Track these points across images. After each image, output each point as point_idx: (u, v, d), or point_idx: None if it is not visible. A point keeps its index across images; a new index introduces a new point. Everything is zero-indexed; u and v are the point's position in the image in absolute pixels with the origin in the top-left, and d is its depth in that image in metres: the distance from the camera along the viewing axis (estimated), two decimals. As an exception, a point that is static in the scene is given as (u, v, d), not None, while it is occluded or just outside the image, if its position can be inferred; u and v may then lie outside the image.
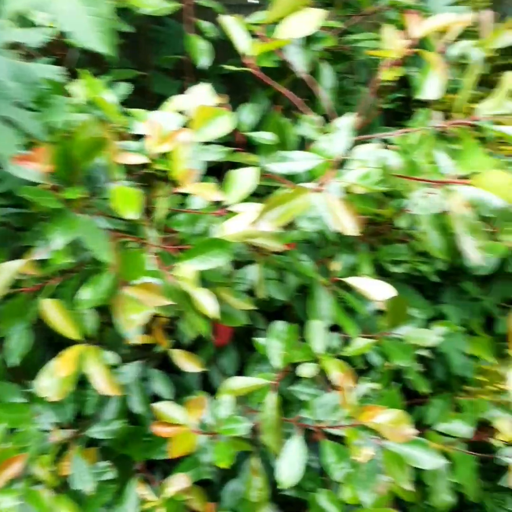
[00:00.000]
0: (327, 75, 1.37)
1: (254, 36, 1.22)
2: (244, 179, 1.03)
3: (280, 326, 1.20)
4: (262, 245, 1.07)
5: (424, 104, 1.39)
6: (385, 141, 1.48)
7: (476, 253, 1.03)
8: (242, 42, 1.16)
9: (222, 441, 1.04)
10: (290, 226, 1.09)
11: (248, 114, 1.26)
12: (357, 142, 1.20)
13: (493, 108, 1.07)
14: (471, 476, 1.31)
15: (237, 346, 1.39)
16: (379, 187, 1.00)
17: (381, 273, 1.44)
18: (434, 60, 1.11)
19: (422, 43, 1.40)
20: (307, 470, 1.19)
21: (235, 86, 1.47)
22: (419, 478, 1.39)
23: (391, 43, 1.12)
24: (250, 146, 1.32)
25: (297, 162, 1.02)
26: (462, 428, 1.38)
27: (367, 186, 0.99)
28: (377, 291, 1.05)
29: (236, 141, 1.25)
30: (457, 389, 1.61)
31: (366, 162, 1.03)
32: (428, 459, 1.13)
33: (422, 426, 1.48)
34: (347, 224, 0.91)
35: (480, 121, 1.11)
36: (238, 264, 1.26)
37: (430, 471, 1.33)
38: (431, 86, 1.23)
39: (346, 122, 1.05)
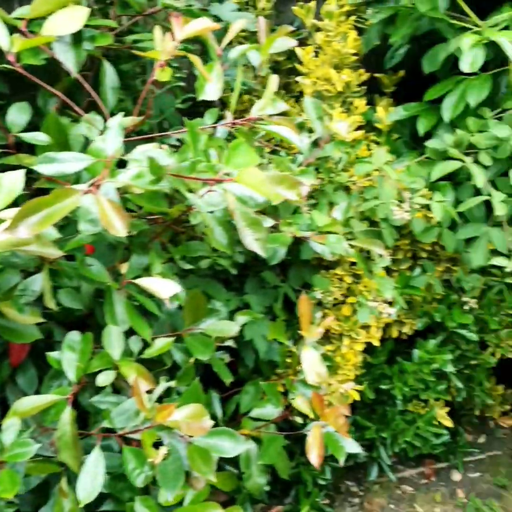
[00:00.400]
0: (110, 75, 1.34)
1: (18, 31, 1.14)
2: (10, 183, 0.96)
3: (73, 336, 1.15)
4: (39, 253, 1.01)
5: (210, 104, 1.43)
6: (179, 140, 1.50)
7: (256, 245, 1.08)
8: (2, 37, 1.08)
9: (8, 469, 0.96)
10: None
11: (17, 114, 1.18)
12: (141, 142, 1.19)
13: (262, 108, 1.13)
14: (280, 455, 1.38)
15: (36, 362, 1.31)
16: (154, 187, 1.00)
17: (187, 270, 1.46)
18: (198, 61, 1.14)
19: (204, 46, 1.45)
20: (125, 481, 1.16)
21: (21, 85, 1.37)
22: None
23: (160, 44, 1.12)
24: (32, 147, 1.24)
25: (66, 163, 0.98)
26: (272, 411, 1.45)
27: (141, 186, 0.99)
28: (164, 290, 1.05)
29: (9, 143, 1.17)
30: (270, 374, 1.70)
31: (141, 162, 1.02)
32: (233, 447, 1.16)
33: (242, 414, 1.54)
34: (117, 225, 0.89)
35: (252, 121, 1.17)
36: (28, 274, 1.18)
37: (243, 457, 1.38)
38: (210, 88, 1.27)
39: (117, 122, 1.03)
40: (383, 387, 1.72)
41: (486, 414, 2.24)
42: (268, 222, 1.23)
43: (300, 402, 1.23)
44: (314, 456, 1.12)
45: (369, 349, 1.80)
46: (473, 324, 1.71)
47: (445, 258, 1.78)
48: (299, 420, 1.37)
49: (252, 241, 1.08)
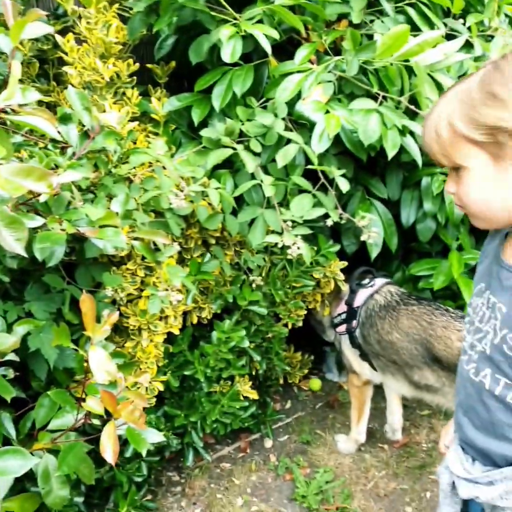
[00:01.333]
0: None
1: None
2: None
3: None
4: None
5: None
6: None
7: (18, 246, 1.00)
8: None
9: None
10: None
11: None
12: None
13: (8, 98, 1.04)
14: (83, 461, 1.31)
15: None
16: None
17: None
18: None
19: None
20: None
21: None
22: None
23: None
24: None
25: None
26: (70, 419, 1.37)
27: None
28: None
29: None
30: (68, 382, 1.61)
31: None
32: (21, 465, 1.07)
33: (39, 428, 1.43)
34: None
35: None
36: None
37: (41, 472, 1.29)
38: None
39: None
40: (187, 373, 1.76)
41: (289, 381, 2.44)
42: (37, 220, 1.15)
43: (91, 403, 1.18)
44: (108, 454, 1.09)
45: (171, 338, 1.82)
46: (263, 300, 1.83)
47: (233, 242, 1.87)
48: (97, 422, 1.32)
49: (13, 242, 1.00)
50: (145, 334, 1.67)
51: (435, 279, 1.99)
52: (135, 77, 1.73)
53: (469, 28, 1.92)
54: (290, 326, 2.07)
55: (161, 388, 1.70)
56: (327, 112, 1.66)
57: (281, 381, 2.38)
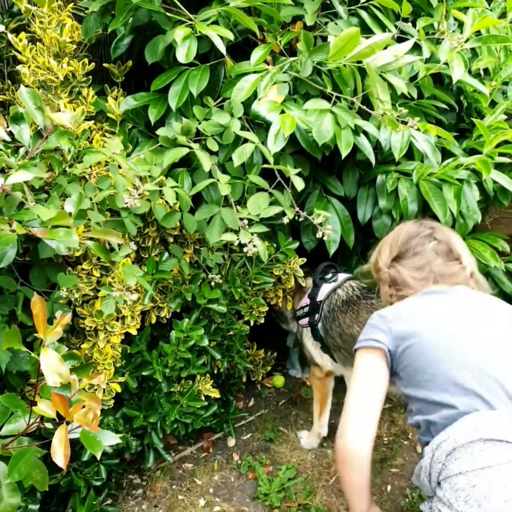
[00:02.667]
0: None
1: None
2: None
3: None
4: None
5: None
6: None
7: None
8: None
9: None
10: None
11: None
12: None
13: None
14: (36, 467, 1.29)
15: None
16: None
17: None
18: None
19: None
20: None
21: None
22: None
23: None
24: None
25: None
26: (23, 423, 1.35)
27: None
28: None
29: None
30: (22, 386, 1.58)
31: None
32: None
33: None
34: None
35: None
36: None
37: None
38: None
39: None
40: (146, 373, 1.75)
41: (252, 378, 2.45)
42: (-15, 221, 1.13)
43: (43, 407, 1.17)
44: (59, 458, 1.08)
45: (130, 339, 1.81)
46: (222, 298, 1.84)
47: (192, 241, 1.87)
48: (49, 425, 1.30)
49: None
50: (101, 335, 1.65)
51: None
52: (90, 77, 1.72)
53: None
54: (252, 323, 2.08)
55: (119, 389, 1.69)
56: (283, 112, 1.68)
57: (244, 379, 2.40)
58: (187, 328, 1.74)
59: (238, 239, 1.46)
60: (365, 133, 1.75)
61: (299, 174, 1.67)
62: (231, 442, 2.30)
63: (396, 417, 2.33)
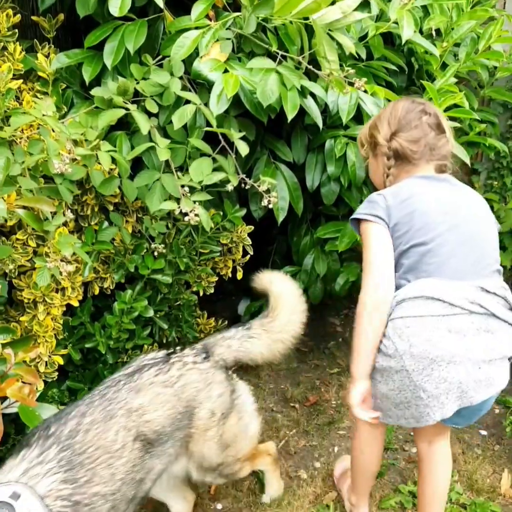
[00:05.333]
0: None
1: None
2: None
3: None
4: None
5: None
6: None
7: None
8: None
9: None
10: None
11: None
12: None
13: None
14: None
15: None
16: None
17: None
18: None
19: None
20: None
21: None
22: None
23: None
24: None
25: None
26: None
27: None
28: None
29: None
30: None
31: None
32: None
33: None
34: None
35: None
36: None
37: None
38: None
39: None
40: (88, 345, 1.69)
41: (203, 347, 2.43)
42: None
43: (-29, 386, 1.11)
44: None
45: (73, 311, 1.74)
46: (168, 268, 1.79)
47: (134, 209, 1.80)
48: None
49: None
50: (41, 307, 1.58)
51: (340, 241, 2.02)
52: (16, 30, 1.58)
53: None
54: (201, 293, 2.04)
55: (61, 361, 1.63)
56: (226, 71, 1.60)
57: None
58: (130, 299, 1.68)
59: (179, 207, 1.40)
60: (313, 95, 1.70)
61: (244, 138, 1.61)
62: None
63: (344, 381, 2.36)
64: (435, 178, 1.41)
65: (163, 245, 1.73)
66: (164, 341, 2.04)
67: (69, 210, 1.53)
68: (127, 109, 1.49)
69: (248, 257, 2.12)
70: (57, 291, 1.61)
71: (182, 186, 1.45)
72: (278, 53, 1.62)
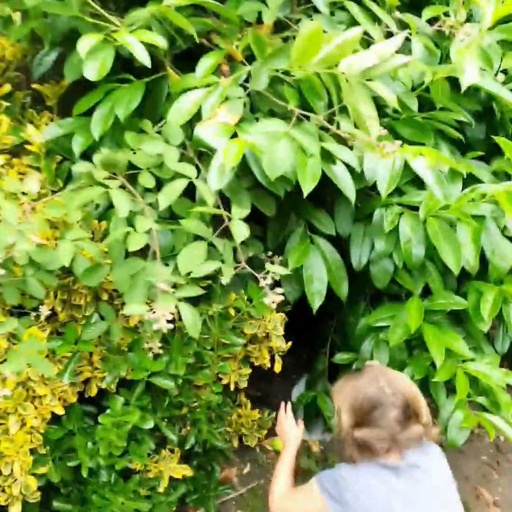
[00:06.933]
0: None
1: None
2: None
3: None
4: None
5: None
6: None
7: None
8: None
9: None
10: None
11: None
12: None
13: None
14: None
15: None
16: None
17: None
18: None
19: None
20: None
21: None
22: None
23: None
24: None
25: None
26: None
27: None
28: None
29: None
30: None
31: None
32: None
33: None
34: None
35: None
36: None
37: None
38: None
39: None
40: (70, 464, 1.41)
41: (246, 443, 2.08)
42: None
43: None
44: None
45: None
46: (173, 367, 1.48)
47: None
48: None
49: None
50: (12, 418, 1.34)
51: (391, 332, 1.60)
52: (2, 102, 1.42)
53: (429, 22, 1.54)
54: (232, 387, 1.72)
55: (35, 483, 1.36)
56: (235, 136, 1.31)
57: (236, 444, 2.03)
58: (119, 412, 1.38)
59: (152, 309, 1.09)
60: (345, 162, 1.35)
61: (258, 215, 1.29)
62: (214, 521, 1.93)
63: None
64: (402, 469, 1.22)
65: (160, 344, 1.42)
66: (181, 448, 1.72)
67: (43, 307, 1.29)
68: (106, 186, 1.24)
69: (289, 344, 1.78)
70: (33, 399, 1.37)
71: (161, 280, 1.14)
72: (294, 112, 1.30)
